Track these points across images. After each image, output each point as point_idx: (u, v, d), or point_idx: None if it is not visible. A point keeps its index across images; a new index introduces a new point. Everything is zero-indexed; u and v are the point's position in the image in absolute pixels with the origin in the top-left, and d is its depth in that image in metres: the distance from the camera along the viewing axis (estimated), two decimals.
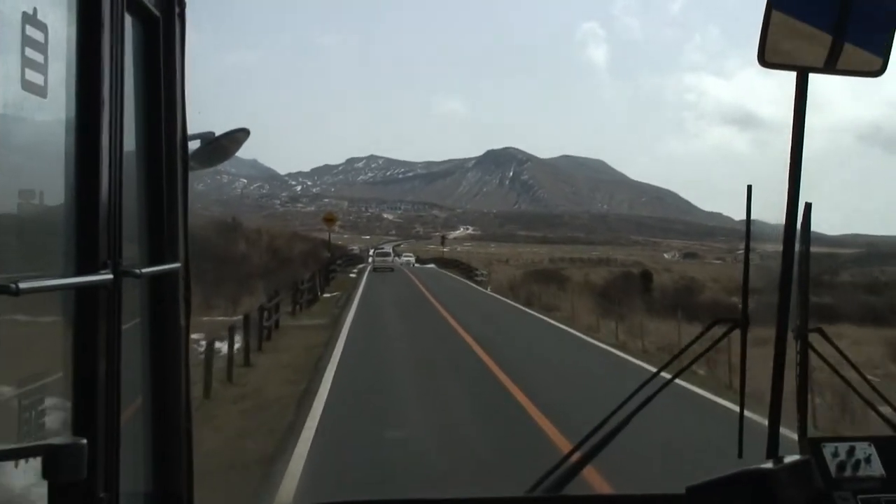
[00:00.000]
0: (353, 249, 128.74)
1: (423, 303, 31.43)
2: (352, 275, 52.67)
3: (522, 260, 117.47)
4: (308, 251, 55.83)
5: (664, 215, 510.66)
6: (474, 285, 48.15)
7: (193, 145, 1.89)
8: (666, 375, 1.98)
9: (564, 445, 8.00)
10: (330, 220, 51.02)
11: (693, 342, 2.09)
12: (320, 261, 45.18)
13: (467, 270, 63.42)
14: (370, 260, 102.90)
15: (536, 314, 28.56)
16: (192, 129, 1.76)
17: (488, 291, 42.16)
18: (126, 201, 1.35)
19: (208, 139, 2.00)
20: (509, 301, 35.04)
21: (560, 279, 52.70)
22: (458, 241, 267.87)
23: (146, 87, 1.57)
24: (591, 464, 1.94)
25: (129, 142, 1.44)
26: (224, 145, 2.10)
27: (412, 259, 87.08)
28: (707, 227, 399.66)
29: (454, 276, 59.86)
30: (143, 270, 1.42)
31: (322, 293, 33.23)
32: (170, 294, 1.63)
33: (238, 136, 2.17)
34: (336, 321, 23.23)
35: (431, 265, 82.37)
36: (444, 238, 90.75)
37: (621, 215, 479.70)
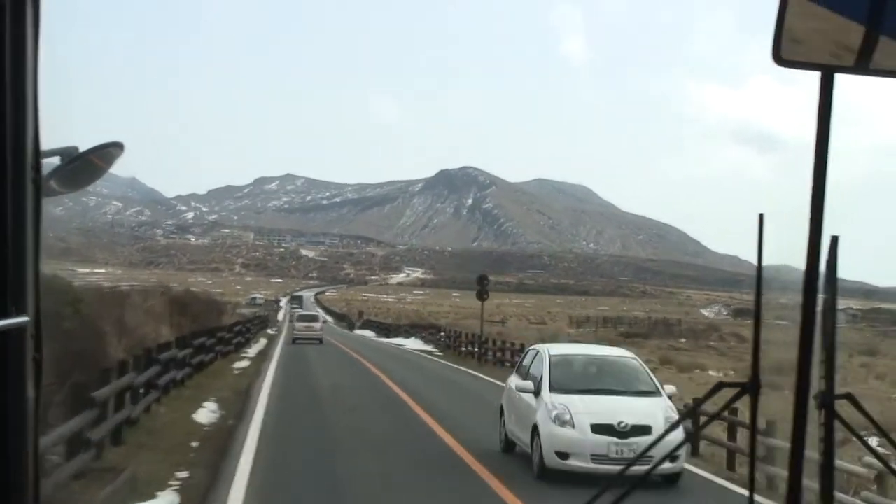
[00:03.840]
0: (255, 299, 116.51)
1: None
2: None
3: (515, 317, 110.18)
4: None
5: (669, 258, 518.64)
6: None
7: (50, 164, 1.88)
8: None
9: None
10: None
11: (689, 413, 2.07)
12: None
13: None
14: (281, 316, 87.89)
15: None
16: (48, 144, 1.75)
17: None
18: None
19: (70, 155, 1.99)
20: None
21: None
22: (405, 287, 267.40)
23: None
24: None
25: None
26: (92, 163, 2.09)
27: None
28: (727, 274, 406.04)
29: None
30: None
31: None
32: (14, 356, 1.61)
33: (110, 152, 2.17)
34: None
35: (407, 343, 55.86)
36: (484, 285, 48.24)
37: (614, 256, 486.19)
